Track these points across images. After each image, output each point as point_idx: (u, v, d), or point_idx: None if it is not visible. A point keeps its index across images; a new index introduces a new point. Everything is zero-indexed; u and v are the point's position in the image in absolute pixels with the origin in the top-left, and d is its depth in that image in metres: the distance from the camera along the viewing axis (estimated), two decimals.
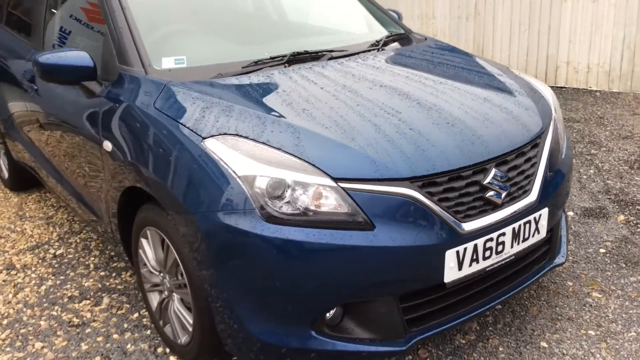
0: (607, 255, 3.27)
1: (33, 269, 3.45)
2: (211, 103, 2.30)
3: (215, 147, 2.10)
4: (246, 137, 2.12)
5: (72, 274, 3.38)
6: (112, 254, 3.58)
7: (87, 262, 3.49)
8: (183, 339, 2.48)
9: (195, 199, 2.09)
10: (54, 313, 3.00)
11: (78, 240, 3.77)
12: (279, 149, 2.07)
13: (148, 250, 2.57)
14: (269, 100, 2.34)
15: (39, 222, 4.08)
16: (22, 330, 2.88)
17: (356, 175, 2.02)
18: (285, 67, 2.68)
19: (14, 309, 3.06)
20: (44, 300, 3.12)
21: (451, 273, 2.13)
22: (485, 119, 2.36)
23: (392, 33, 3.30)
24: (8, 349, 2.75)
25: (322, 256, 1.97)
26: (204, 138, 2.14)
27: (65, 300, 3.11)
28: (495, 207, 2.21)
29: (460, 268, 2.14)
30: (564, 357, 2.47)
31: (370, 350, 2.10)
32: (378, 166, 2.04)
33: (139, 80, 2.54)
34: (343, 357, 2.13)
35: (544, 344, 2.56)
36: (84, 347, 2.72)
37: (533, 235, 2.37)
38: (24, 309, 3.05)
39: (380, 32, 3.28)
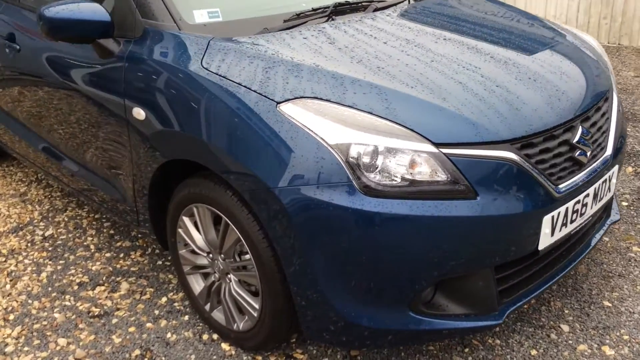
0: (631, 207, 3.27)
1: (24, 254, 3.08)
2: (272, 62, 2.02)
3: (295, 113, 1.85)
4: (328, 101, 1.87)
5: (71, 257, 3.04)
6: (112, 232, 3.25)
7: (85, 243, 3.15)
8: (241, 324, 2.25)
9: (275, 172, 1.84)
10: (67, 303, 2.68)
11: (66, 219, 3.40)
12: (369, 112, 1.84)
13: (192, 230, 2.30)
14: (335, 57, 2.09)
15: (12, 200, 3.65)
16: (36, 326, 2.55)
17: (456, 139, 1.84)
18: (332, 19, 2.42)
19: (17, 301, 2.71)
20: (50, 289, 2.78)
21: (545, 239, 2.01)
22: (562, 73, 2.22)
23: None
24: (26, 348, 2.42)
25: (427, 230, 1.79)
26: (278, 103, 1.88)
27: (75, 287, 2.79)
28: (581, 166, 2.09)
29: (552, 234, 2.02)
30: (632, 315, 2.44)
31: (468, 326, 1.96)
32: (478, 129, 1.86)
33: (172, 37, 2.22)
34: (438, 336, 1.98)
35: (607, 303, 2.51)
36: (116, 339, 2.43)
37: (605, 194, 2.28)
38: (29, 301, 2.70)
39: None
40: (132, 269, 2.92)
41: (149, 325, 2.51)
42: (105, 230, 3.27)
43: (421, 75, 2.02)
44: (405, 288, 1.87)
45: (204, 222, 2.22)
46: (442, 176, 1.80)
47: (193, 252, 2.37)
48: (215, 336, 2.42)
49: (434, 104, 1.90)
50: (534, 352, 2.27)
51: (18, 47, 2.89)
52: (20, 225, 3.35)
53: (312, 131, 1.81)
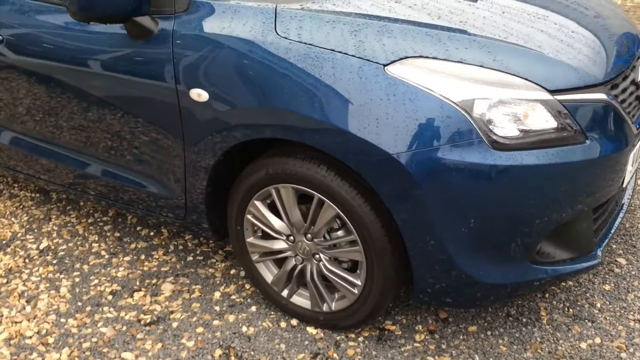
0: None
1: (26, 271, 2.74)
2: (357, 25, 1.92)
3: (408, 74, 1.77)
4: (435, 58, 1.81)
5: (85, 267, 2.75)
6: (118, 234, 2.98)
7: (93, 250, 2.87)
8: (333, 304, 2.16)
9: (395, 138, 1.75)
10: (109, 315, 2.43)
11: (55, 228, 3.07)
12: (480, 66, 1.80)
13: (267, 214, 2.16)
14: (413, 15, 2.02)
15: None
16: (86, 345, 2.29)
17: (566, 85, 1.85)
18: None
19: (47, 322, 2.41)
20: (80, 304, 2.51)
21: (627, 176, 2.10)
22: (612, 17, 2.30)
23: None
24: None
25: (553, 177, 1.80)
26: (385, 65, 1.79)
27: (109, 297, 2.53)
28: None
29: (631, 170, 2.12)
30: None
31: (576, 269, 2.01)
32: (580, 73, 1.89)
33: (227, 8, 2.03)
34: (549, 283, 2.02)
35: None
36: (188, 343, 2.25)
37: None
38: (62, 320, 2.42)
39: None
40: (162, 269, 2.70)
41: (216, 322, 2.34)
42: (109, 234, 2.99)
43: (505, 27, 2.01)
44: (529, 239, 1.87)
45: (287, 203, 2.08)
46: (556, 123, 1.81)
47: (266, 237, 2.23)
48: (294, 322, 2.30)
49: (536, 53, 1.89)
50: (607, 287, 2.37)
51: (0, 37, 2.52)
52: (4, 242, 2.97)
53: (431, 90, 1.74)
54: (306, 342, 2.20)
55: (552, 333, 2.17)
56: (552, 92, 1.81)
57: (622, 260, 2.51)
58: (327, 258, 2.12)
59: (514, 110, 1.78)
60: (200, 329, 2.31)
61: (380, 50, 1.83)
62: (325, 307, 2.19)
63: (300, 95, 1.86)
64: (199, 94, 2.04)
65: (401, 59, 1.80)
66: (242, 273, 2.63)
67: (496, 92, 1.76)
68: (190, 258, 2.77)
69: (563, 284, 2.40)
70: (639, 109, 2.15)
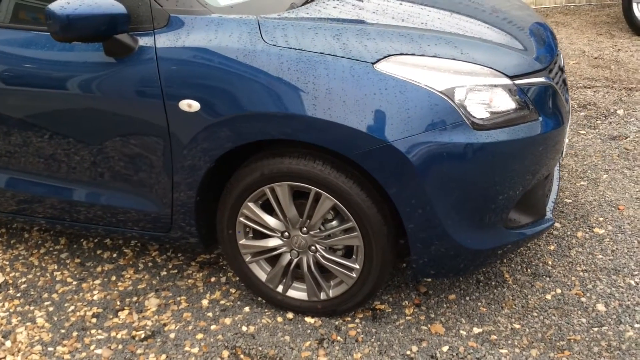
0: None
1: None
2: (337, 30, 2.10)
3: (394, 69, 1.99)
4: (414, 55, 2.05)
5: (54, 295, 2.69)
6: (78, 260, 2.93)
7: (58, 279, 2.80)
8: (330, 291, 2.32)
9: (389, 127, 1.96)
10: (99, 337, 2.41)
11: (6, 262, 2.96)
12: (452, 59, 2.06)
13: (260, 213, 2.27)
14: (379, 20, 2.25)
15: None
16: None
17: (520, 71, 2.15)
18: None
19: (35, 353, 2.35)
20: (64, 331, 2.46)
21: (564, 147, 2.46)
22: (531, 16, 2.68)
23: None
24: None
25: (523, 150, 2.09)
26: (373, 63, 2.00)
27: (94, 320, 2.51)
28: (566, 85, 2.58)
29: (566, 142, 2.48)
30: (592, 203, 3.05)
31: (538, 230, 2.32)
32: (528, 61, 2.21)
33: (210, 21, 2.14)
34: (521, 244, 2.31)
35: (568, 200, 3.09)
36: (193, 350, 2.30)
37: None
38: (50, 349, 2.37)
39: None
40: (139, 286, 2.70)
41: (214, 327, 2.41)
42: (68, 261, 2.93)
43: (457, 26, 2.30)
44: (504, 206, 2.15)
45: (283, 201, 2.21)
46: (516, 104, 2.10)
47: (261, 236, 2.34)
48: (290, 315, 2.42)
49: (492, 45, 2.19)
50: (551, 247, 2.73)
51: None
52: None
53: (418, 83, 1.97)
54: (308, 331, 2.33)
55: (519, 290, 2.47)
56: (512, 77, 2.10)
57: (557, 224, 2.88)
58: (323, 248, 2.28)
59: (484, 96, 2.05)
60: (200, 335, 2.36)
61: (364, 50, 2.03)
62: (322, 295, 2.33)
63: (297, 96, 2.01)
64: (190, 104, 2.12)
65: (385, 57, 2.02)
66: (223, 279, 2.70)
67: (470, 79, 2.02)
68: (164, 273, 2.79)
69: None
70: (566, 91, 2.52)
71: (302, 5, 2.34)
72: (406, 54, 2.04)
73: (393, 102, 1.96)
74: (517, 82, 2.10)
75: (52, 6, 1.99)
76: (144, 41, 2.16)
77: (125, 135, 2.26)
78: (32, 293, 2.71)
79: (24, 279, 2.81)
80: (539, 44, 2.39)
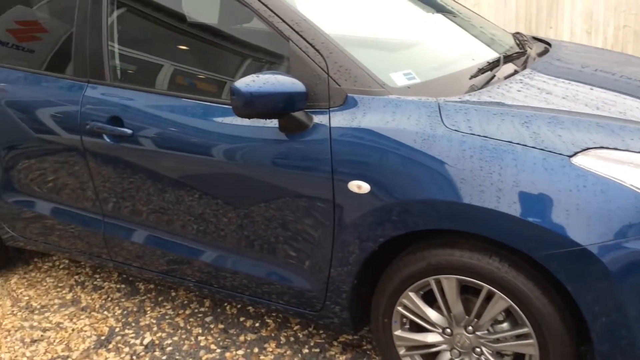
0: None
1: None
2: (525, 117, 1.94)
3: (595, 165, 1.79)
4: (616, 149, 1.83)
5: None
6: (222, 326, 2.89)
7: (203, 344, 2.77)
8: None
9: (586, 229, 1.75)
10: None
11: (153, 321, 2.98)
12: None
13: (422, 305, 2.11)
14: (575, 105, 2.06)
15: (68, 310, 3.15)
16: None
17: None
18: (517, 72, 2.39)
19: None
20: None
21: None
22: None
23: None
24: None
25: None
26: (569, 156, 1.80)
27: None
28: None
29: None
30: None
31: None
32: None
33: (387, 102, 2.06)
34: None
35: None
36: None
37: None
38: None
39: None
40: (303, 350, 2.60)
41: None
42: (212, 326, 2.90)
43: None
44: None
45: (449, 295, 2.04)
46: None
47: (418, 329, 2.17)
48: None
49: None
50: None
51: (130, 131, 2.52)
52: (103, 338, 2.87)
53: (622, 181, 1.75)
54: None
55: None
56: None
57: None
58: (490, 352, 2.06)
59: None
60: None
61: (559, 141, 1.85)
62: None
63: (479, 187, 1.85)
64: (359, 186, 2.03)
65: (584, 149, 1.82)
66: None
67: None
68: (306, 350, 2.68)
69: None
70: None
71: (483, 87, 2.20)
72: (608, 148, 1.83)
73: (592, 202, 1.75)
74: None
75: (238, 83, 2.01)
76: (318, 119, 2.12)
77: (286, 210, 2.21)
78: (177, 357, 2.69)
79: (169, 341, 2.81)
80: None
